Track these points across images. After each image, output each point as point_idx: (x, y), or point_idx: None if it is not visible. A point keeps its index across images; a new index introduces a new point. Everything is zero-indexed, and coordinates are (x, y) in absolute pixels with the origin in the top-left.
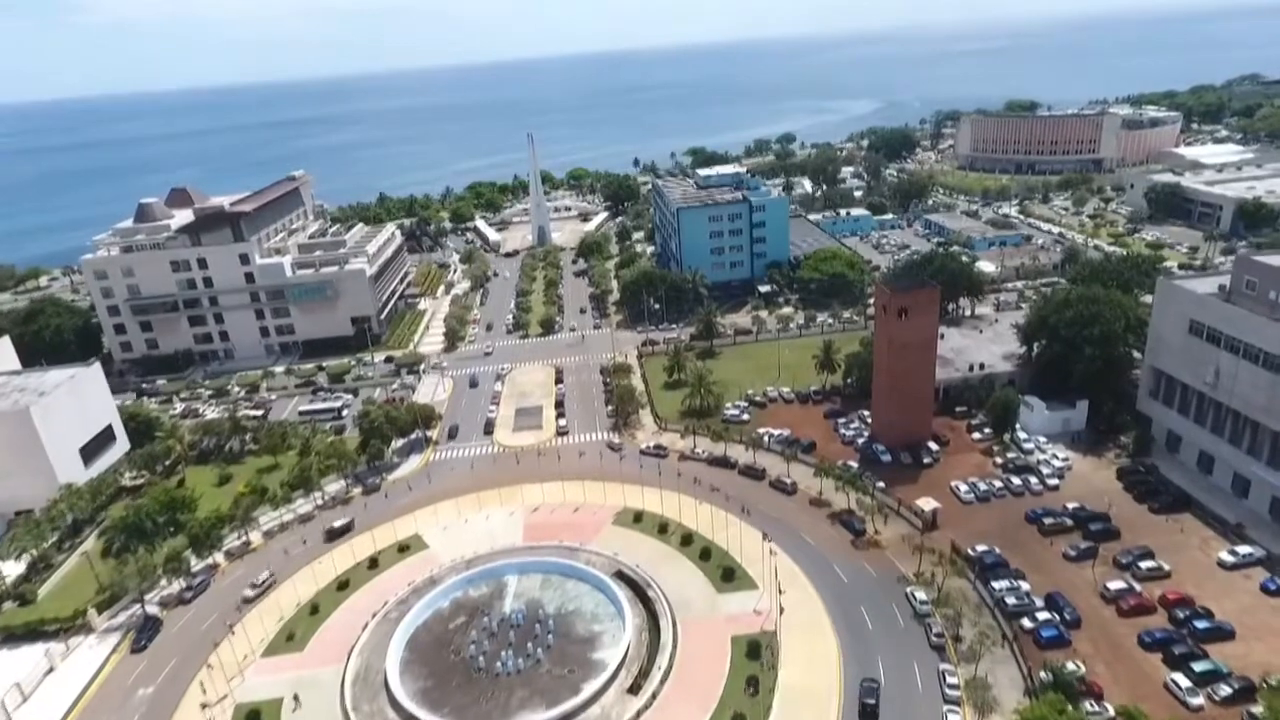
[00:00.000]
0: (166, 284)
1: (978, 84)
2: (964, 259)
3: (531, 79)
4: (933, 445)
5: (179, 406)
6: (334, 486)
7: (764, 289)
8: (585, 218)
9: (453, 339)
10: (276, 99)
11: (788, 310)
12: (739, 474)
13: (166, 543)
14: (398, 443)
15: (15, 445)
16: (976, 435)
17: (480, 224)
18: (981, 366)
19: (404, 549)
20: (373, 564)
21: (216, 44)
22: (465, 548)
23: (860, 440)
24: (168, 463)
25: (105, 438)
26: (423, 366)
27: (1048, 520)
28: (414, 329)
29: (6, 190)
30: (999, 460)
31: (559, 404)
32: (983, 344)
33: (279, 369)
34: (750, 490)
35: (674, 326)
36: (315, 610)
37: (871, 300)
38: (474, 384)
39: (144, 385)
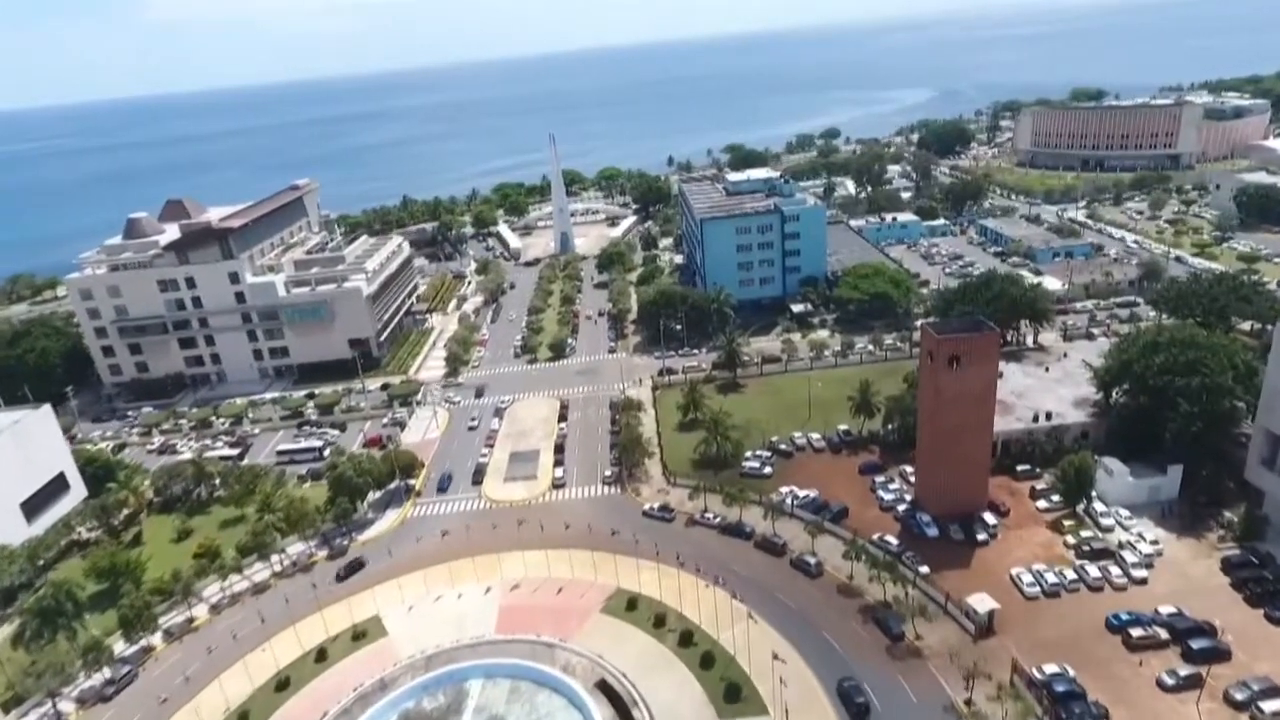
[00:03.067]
0: (154, 304)
1: (1038, 71)
2: (1026, 282)
3: (571, 72)
4: (988, 518)
5: (157, 440)
6: (297, 548)
7: (797, 308)
8: (613, 222)
9: (455, 364)
10: (322, 96)
11: (822, 334)
12: (755, 547)
13: (92, 624)
14: (374, 494)
15: None
16: (1042, 503)
17: (503, 229)
18: (1048, 416)
19: (359, 636)
20: (320, 656)
21: (267, 42)
22: (429, 637)
23: (901, 507)
24: (126, 513)
25: (56, 487)
26: (419, 397)
27: (1136, 631)
28: (417, 351)
29: (47, 193)
30: (1070, 540)
31: (559, 448)
32: (1049, 385)
33: (270, 395)
34: (767, 570)
35: (695, 352)
36: None
37: (918, 325)
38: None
39: (129, 413)
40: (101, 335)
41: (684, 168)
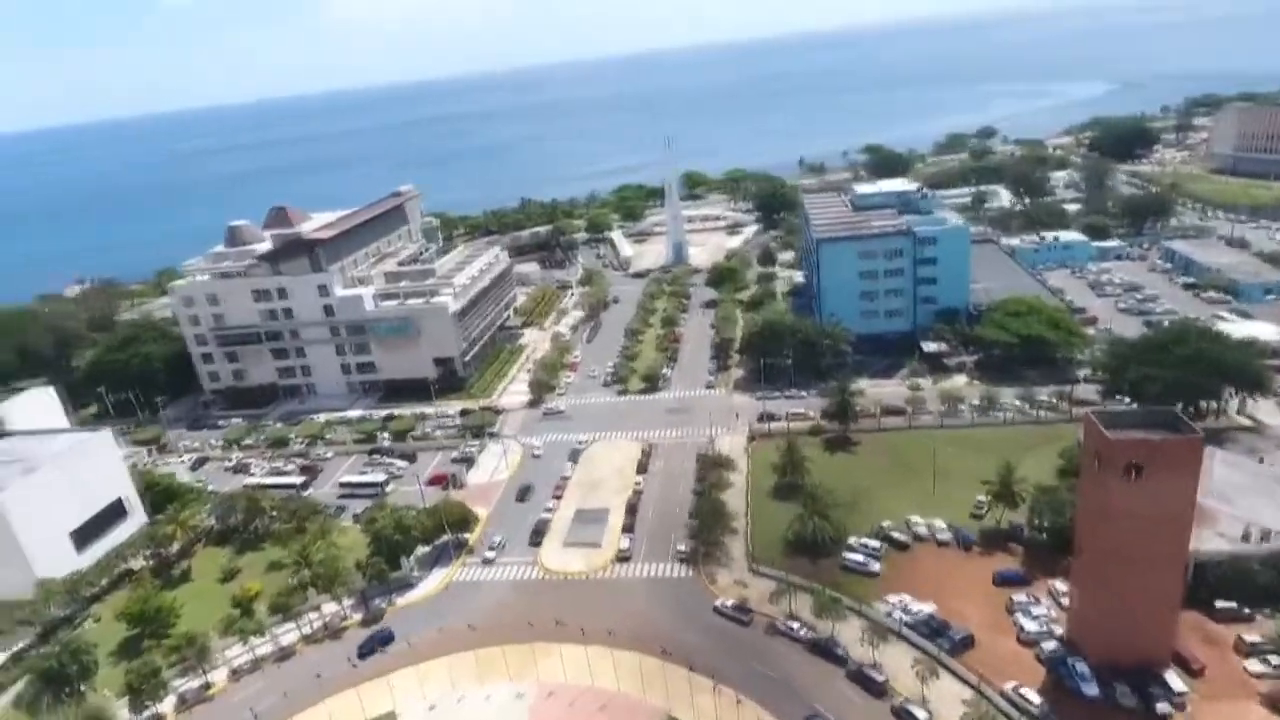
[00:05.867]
0: (250, 314)
1: (1239, 58)
2: (1233, 334)
3: (708, 66)
4: (1173, 678)
5: (235, 457)
6: (331, 608)
7: (929, 347)
8: (733, 230)
9: (539, 391)
10: (474, 89)
11: (959, 381)
12: (848, 679)
13: (109, 680)
14: (423, 549)
15: None
16: (1255, 665)
17: (616, 235)
18: (1265, 537)
19: None
20: None
21: (430, 38)
22: None
23: (1049, 644)
24: (178, 545)
25: (113, 514)
26: (498, 426)
27: None
28: (505, 371)
29: (213, 187)
30: None
31: (631, 509)
32: (1266, 485)
33: (355, 413)
34: (861, 716)
35: (803, 394)
36: None
37: (1080, 378)
38: (522, 498)
39: (221, 422)
40: (201, 342)
41: (815, 170)
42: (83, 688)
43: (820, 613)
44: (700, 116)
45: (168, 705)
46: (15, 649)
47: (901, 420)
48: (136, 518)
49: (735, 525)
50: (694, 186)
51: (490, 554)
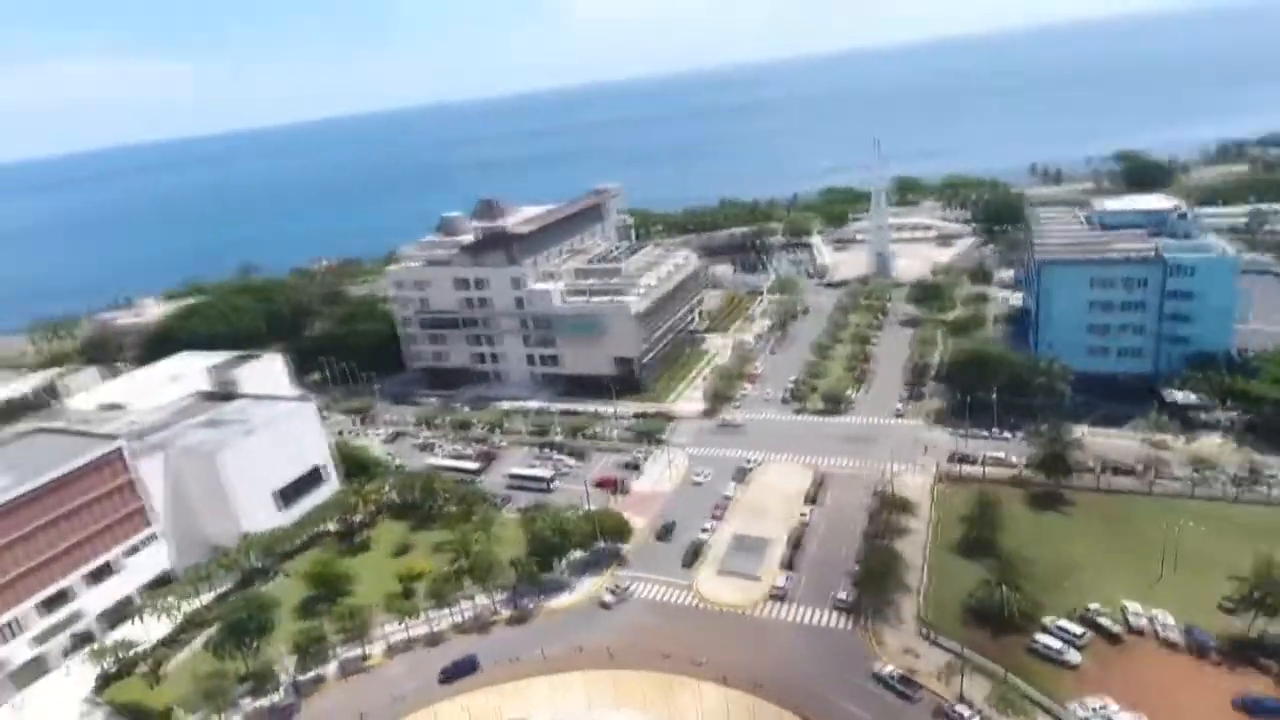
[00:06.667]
0: (451, 300)
1: None
2: None
3: (957, 57)
4: None
5: (423, 435)
6: (483, 600)
7: (1175, 396)
8: (945, 242)
9: (717, 401)
10: (708, 86)
11: (1212, 442)
12: None
13: (286, 635)
14: (578, 553)
15: (204, 487)
16: None
17: (816, 241)
18: None
19: None
20: None
21: (673, 33)
22: None
23: None
24: (360, 517)
25: (313, 478)
26: (668, 433)
27: None
28: (684, 376)
29: (440, 178)
30: None
31: (796, 543)
32: None
33: (534, 405)
34: None
35: (1008, 436)
36: None
37: None
38: (662, 537)
39: (419, 400)
40: (408, 323)
41: (1050, 177)
42: (257, 643)
43: (1000, 703)
44: (915, 116)
45: (330, 670)
46: (220, 591)
47: (1132, 482)
48: (332, 484)
49: (909, 580)
50: (906, 192)
51: (610, 599)
